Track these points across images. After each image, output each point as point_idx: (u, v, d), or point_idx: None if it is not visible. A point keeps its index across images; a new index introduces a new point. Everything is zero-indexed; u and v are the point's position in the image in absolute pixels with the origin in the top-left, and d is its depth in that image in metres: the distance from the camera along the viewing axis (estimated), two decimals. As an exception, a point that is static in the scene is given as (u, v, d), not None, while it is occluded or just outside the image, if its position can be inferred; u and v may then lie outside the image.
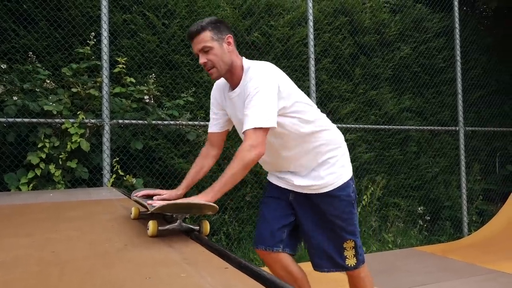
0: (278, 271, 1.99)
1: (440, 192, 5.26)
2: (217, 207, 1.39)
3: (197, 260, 1.06)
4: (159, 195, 1.73)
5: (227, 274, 0.95)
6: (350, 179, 1.98)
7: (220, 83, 1.96)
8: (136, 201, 1.75)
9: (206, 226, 1.44)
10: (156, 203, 1.42)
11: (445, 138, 5.41)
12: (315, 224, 1.95)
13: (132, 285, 0.87)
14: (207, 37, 1.71)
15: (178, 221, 1.41)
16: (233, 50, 1.80)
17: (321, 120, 1.93)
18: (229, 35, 1.77)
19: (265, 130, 1.65)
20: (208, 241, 1.26)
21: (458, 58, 5.24)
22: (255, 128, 1.62)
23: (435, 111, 5.42)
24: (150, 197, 1.74)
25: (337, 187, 1.92)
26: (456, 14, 5.28)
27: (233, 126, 2.02)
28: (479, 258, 3.97)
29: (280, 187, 2.02)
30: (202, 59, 1.73)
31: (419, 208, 5.08)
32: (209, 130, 2.02)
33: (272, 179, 2.08)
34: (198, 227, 1.43)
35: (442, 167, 5.35)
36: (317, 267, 2.02)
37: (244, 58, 1.85)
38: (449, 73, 5.45)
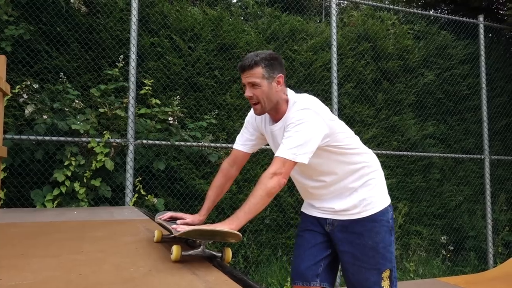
0: None
1: (464, 222, 5.13)
2: (241, 235, 1.40)
3: (222, 290, 1.06)
4: (183, 219, 1.74)
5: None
6: (389, 205, 1.93)
7: None
8: (160, 224, 1.76)
9: (228, 253, 1.44)
10: (180, 228, 1.43)
11: (469, 166, 5.30)
12: (354, 257, 1.86)
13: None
14: (258, 74, 1.72)
15: (201, 247, 1.42)
16: (282, 89, 1.79)
17: (362, 148, 1.93)
18: (280, 74, 1.77)
19: (294, 163, 1.64)
20: (231, 269, 1.26)
21: (484, 85, 5.18)
22: (284, 158, 1.62)
23: (459, 138, 5.33)
24: (174, 220, 1.75)
25: (379, 211, 1.87)
26: (482, 42, 5.25)
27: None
28: (505, 292, 3.83)
29: (315, 217, 1.97)
30: (248, 93, 1.74)
31: (442, 237, 4.95)
32: (238, 148, 2.01)
33: (306, 210, 2.04)
34: (220, 254, 1.44)
35: (466, 196, 5.23)
36: None
37: (289, 90, 1.85)
38: (474, 100, 5.37)
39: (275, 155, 1.66)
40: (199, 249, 1.41)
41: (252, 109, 2.00)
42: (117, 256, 1.47)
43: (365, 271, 1.84)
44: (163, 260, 1.38)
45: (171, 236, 1.65)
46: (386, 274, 1.85)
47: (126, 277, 1.17)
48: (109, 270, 1.26)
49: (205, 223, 1.78)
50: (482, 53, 5.23)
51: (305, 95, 1.83)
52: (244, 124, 2.04)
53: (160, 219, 1.76)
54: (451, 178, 5.20)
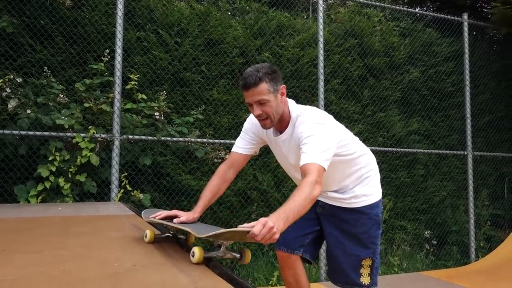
0: (288, 277, 2.10)
1: (447, 216, 5.22)
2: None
3: (206, 284, 1.07)
4: (177, 216, 1.69)
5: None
6: (380, 200, 2.04)
7: None
8: (157, 223, 1.72)
9: (248, 255, 1.44)
10: (182, 227, 1.42)
11: (453, 162, 5.38)
12: (337, 241, 2.00)
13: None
14: (264, 90, 1.71)
15: (222, 247, 1.39)
16: (285, 100, 1.82)
17: (360, 149, 2.02)
18: (283, 85, 1.80)
19: (324, 170, 1.65)
20: (216, 264, 1.27)
21: (467, 82, 5.26)
22: (320, 166, 1.62)
23: (443, 134, 5.41)
24: (169, 219, 1.70)
25: (368, 205, 1.98)
26: (466, 39, 5.32)
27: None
28: (486, 285, 3.91)
29: None
30: (257, 111, 1.73)
31: (426, 232, 5.03)
32: (238, 151, 2.02)
33: None
34: (239, 255, 1.43)
35: (450, 191, 5.31)
36: (332, 280, 2.09)
37: (289, 101, 1.87)
38: (458, 97, 5.45)
39: (309, 162, 1.63)
40: (220, 250, 1.38)
41: (250, 116, 2.02)
42: (102, 251, 1.47)
43: (345, 256, 1.98)
44: (148, 255, 1.39)
45: (163, 236, 1.65)
46: (366, 262, 1.97)
47: (110, 272, 1.17)
48: (93, 265, 1.25)
49: (198, 221, 1.78)
50: (466, 50, 5.30)
51: (308, 108, 1.87)
52: (243, 130, 2.05)
53: (155, 218, 1.69)
54: (435, 173, 5.28)
